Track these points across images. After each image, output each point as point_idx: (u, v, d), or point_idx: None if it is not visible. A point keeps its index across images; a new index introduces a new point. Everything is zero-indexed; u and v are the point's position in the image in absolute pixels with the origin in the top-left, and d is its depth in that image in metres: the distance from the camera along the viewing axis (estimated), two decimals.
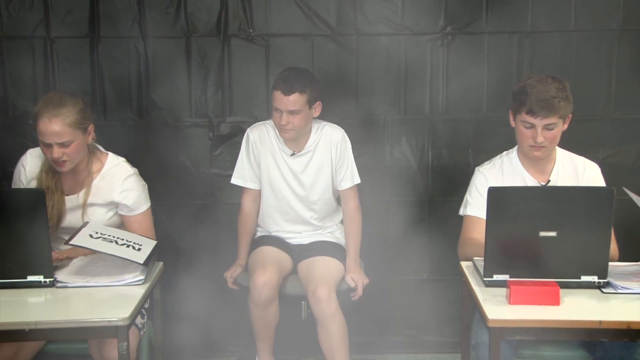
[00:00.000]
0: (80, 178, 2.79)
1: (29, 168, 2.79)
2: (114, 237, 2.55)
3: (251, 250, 3.24)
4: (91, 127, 2.72)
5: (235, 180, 3.26)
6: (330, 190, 3.24)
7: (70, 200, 2.77)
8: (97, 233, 2.54)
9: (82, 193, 2.78)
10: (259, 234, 3.34)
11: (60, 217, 2.75)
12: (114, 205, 2.82)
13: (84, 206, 2.76)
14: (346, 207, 3.26)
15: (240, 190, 3.28)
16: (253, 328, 3.10)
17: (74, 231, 2.56)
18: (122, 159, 2.87)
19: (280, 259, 3.14)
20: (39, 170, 2.77)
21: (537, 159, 2.77)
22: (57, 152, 2.61)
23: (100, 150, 2.87)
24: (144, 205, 2.87)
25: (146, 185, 2.89)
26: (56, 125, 2.58)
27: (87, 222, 2.67)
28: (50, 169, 2.74)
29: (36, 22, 3.41)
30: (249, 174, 3.23)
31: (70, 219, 2.76)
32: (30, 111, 3.36)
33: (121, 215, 2.86)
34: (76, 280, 2.41)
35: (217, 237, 3.60)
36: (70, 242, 2.47)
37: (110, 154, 2.87)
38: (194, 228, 3.59)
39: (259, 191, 3.27)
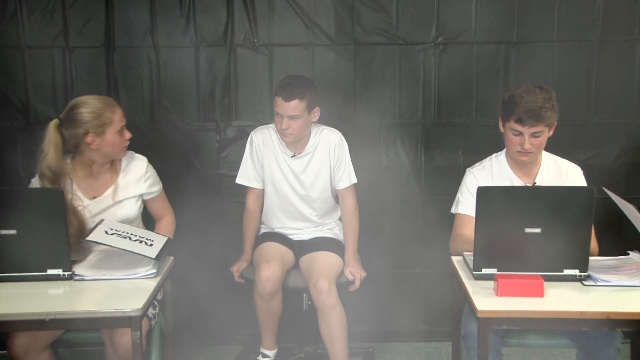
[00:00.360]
0: (105, 179, 2.81)
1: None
2: (127, 233, 2.55)
3: (256, 245, 3.24)
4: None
5: (239, 180, 3.26)
6: (329, 189, 3.24)
7: (100, 202, 2.78)
8: (111, 230, 2.54)
9: (109, 192, 2.80)
10: (262, 230, 3.34)
11: (79, 223, 2.73)
12: (140, 195, 2.88)
13: (117, 203, 2.80)
14: (344, 205, 3.26)
15: (244, 189, 3.28)
16: (258, 318, 3.10)
17: (90, 228, 2.56)
18: (131, 152, 2.90)
19: (283, 254, 3.14)
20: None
21: (524, 163, 2.77)
22: (128, 134, 2.78)
23: None
24: (160, 184, 2.97)
25: None
26: (120, 113, 2.76)
27: (102, 220, 2.66)
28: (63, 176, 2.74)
29: (56, 33, 3.41)
30: (253, 174, 3.23)
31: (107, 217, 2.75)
32: (50, 116, 3.38)
33: (144, 200, 2.92)
34: (93, 273, 2.41)
35: (223, 234, 3.60)
36: (87, 238, 2.47)
37: None
38: (202, 225, 3.59)
39: (262, 190, 3.27)
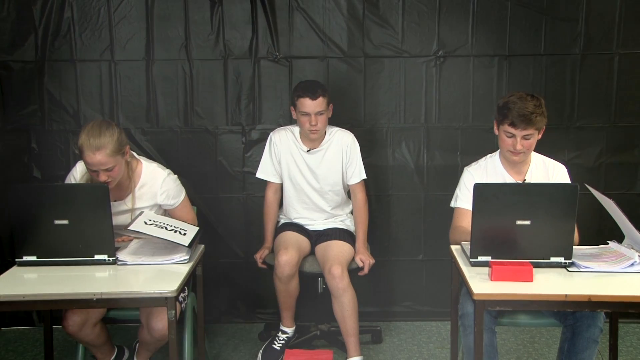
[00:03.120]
0: (124, 187, 2.72)
1: (79, 179, 2.75)
2: (164, 224, 2.55)
3: (276, 234, 3.24)
4: (127, 149, 2.63)
5: (259, 174, 3.27)
6: (341, 183, 3.22)
7: (118, 205, 2.72)
8: (150, 220, 2.55)
9: (128, 199, 2.73)
10: (282, 221, 3.34)
11: None
12: (157, 205, 2.78)
13: (132, 210, 2.72)
14: (355, 199, 3.25)
15: (266, 185, 3.28)
16: (278, 299, 3.11)
17: (133, 219, 2.57)
18: (155, 164, 2.81)
19: (300, 242, 3.13)
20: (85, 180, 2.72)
21: (515, 163, 2.75)
22: (103, 176, 2.54)
23: (135, 159, 2.76)
24: (181, 196, 2.83)
25: (178, 179, 2.83)
26: (100, 157, 2.49)
27: (142, 212, 2.66)
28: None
29: (103, 48, 3.42)
30: (271, 169, 3.23)
31: (121, 220, 2.69)
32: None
33: (165, 210, 2.84)
34: (133, 259, 2.42)
35: (248, 224, 3.59)
36: (129, 228, 2.48)
37: (144, 161, 2.78)
38: (229, 217, 3.59)
39: (280, 185, 3.27)
